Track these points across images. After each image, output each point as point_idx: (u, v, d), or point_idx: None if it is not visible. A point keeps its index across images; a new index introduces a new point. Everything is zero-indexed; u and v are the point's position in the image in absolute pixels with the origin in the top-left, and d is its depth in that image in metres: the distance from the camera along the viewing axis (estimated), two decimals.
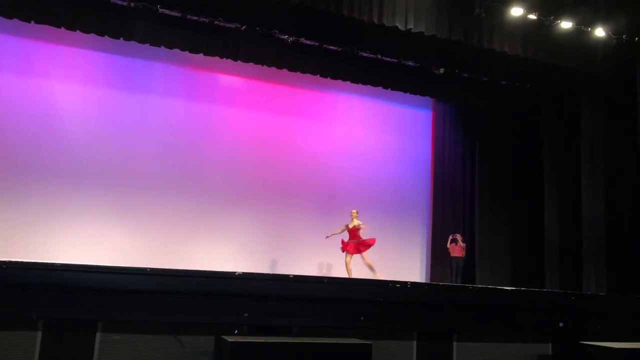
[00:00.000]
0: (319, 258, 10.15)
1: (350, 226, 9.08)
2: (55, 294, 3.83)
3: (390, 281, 5.04)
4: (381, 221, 10.79)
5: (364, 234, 9.09)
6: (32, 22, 8.43)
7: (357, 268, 9.01)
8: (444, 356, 4.90)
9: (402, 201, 11.12)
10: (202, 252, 9.42)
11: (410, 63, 10.15)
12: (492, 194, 11.29)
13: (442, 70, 10.31)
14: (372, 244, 9.12)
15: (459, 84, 10.71)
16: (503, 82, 10.73)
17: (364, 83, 10.31)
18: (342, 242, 9.13)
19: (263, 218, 10.13)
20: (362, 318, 4.62)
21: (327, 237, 9.10)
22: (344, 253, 9.06)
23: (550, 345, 5.26)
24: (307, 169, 10.54)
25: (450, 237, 10.65)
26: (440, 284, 8.96)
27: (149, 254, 8.83)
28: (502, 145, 11.43)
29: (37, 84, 9.15)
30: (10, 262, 3.91)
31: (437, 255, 10.99)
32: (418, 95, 10.92)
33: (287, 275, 4.73)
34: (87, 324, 3.89)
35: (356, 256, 9.11)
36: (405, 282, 5.02)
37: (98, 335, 3.90)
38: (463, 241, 10.61)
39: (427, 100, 11.47)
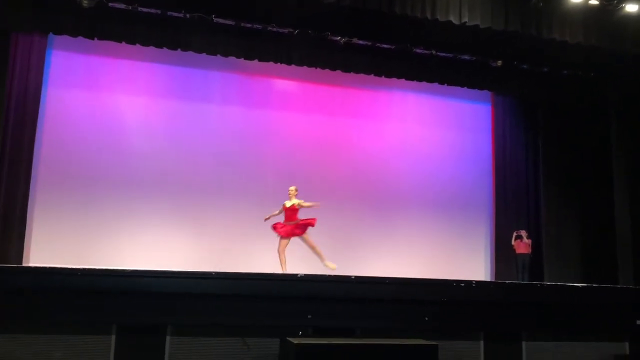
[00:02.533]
0: (379, 259, 10.07)
1: (288, 205, 7.97)
2: (126, 299, 3.98)
3: (454, 280, 4.95)
4: (442, 220, 10.64)
5: (307, 214, 8.14)
6: (95, 38, 8.79)
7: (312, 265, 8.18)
8: (513, 356, 4.77)
9: (462, 198, 10.90)
10: (262, 255, 9.52)
11: (466, 57, 9.94)
12: (558, 188, 10.90)
13: (499, 63, 10.03)
14: (312, 225, 8.04)
15: (518, 76, 10.40)
16: (565, 72, 10.34)
17: (419, 80, 10.17)
18: (273, 226, 7.99)
19: (321, 220, 10.14)
20: (426, 318, 4.57)
21: (265, 219, 8.09)
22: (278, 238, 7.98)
23: (627, 344, 5.03)
24: (364, 169, 10.50)
25: (515, 234, 10.35)
26: (507, 282, 8.72)
27: (210, 259, 9.02)
28: (567, 137, 11.02)
29: (101, 97, 9.51)
30: (84, 269, 4.09)
31: (502, 252, 10.70)
32: (475, 90, 10.66)
33: (349, 277, 4.73)
34: (158, 327, 4.02)
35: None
36: (470, 281, 4.92)
37: (168, 338, 4.02)
38: (528, 237, 10.29)
39: (485, 94, 11.20)
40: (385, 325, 4.48)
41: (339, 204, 10.23)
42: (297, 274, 4.47)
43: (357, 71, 9.84)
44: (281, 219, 8.09)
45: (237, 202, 9.72)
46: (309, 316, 4.27)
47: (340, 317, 4.40)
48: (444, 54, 9.83)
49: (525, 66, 10.20)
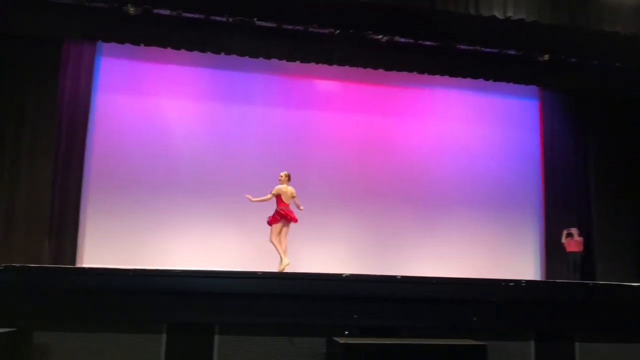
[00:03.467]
0: (425, 259, 9.98)
1: (289, 193, 7.84)
2: (176, 299, 4.06)
3: (502, 280, 4.86)
4: (489, 219, 10.45)
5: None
6: (141, 44, 9.03)
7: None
8: (565, 357, 4.64)
9: (510, 196, 10.67)
10: (306, 255, 9.57)
11: (512, 52, 9.71)
12: (610, 183, 10.54)
13: (546, 57, 9.76)
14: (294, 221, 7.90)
15: (566, 69, 10.09)
16: (616, 65, 9.98)
17: (463, 76, 10.02)
18: (290, 214, 7.82)
19: (366, 220, 10.13)
20: (474, 319, 4.49)
21: (251, 200, 7.92)
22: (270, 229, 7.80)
23: None
24: (408, 169, 10.41)
25: (565, 232, 10.08)
26: (558, 281, 8.49)
27: (256, 259, 9.10)
28: (618, 132, 10.64)
29: (148, 101, 9.76)
30: (135, 269, 4.21)
31: (552, 251, 10.43)
32: (522, 85, 10.44)
33: (395, 277, 4.70)
34: (206, 327, 4.09)
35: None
36: (519, 281, 4.82)
37: (217, 337, 4.08)
38: (579, 235, 10.00)
39: (532, 89, 10.93)
40: (432, 325, 4.43)
41: (382, 204, 10.18)
42: (342, 274, 4.46)
43: (399, 69, 9.76)
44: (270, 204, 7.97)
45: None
46: (355, 316, 4.26)
47: (386, 317, 4.38)
48: (488, 50, 9.64)
49: (573, 59, 9.90)
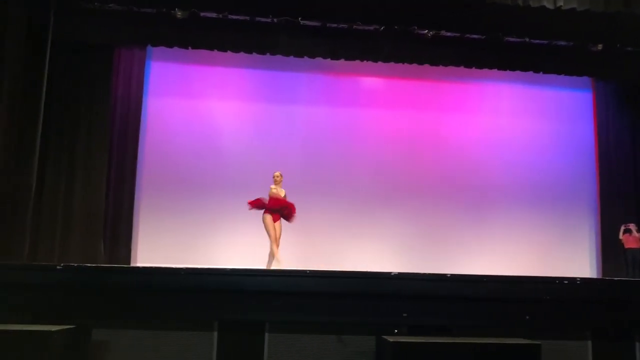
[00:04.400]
0: (475, 256, 9.80)
1: (282, 195, 7.83)
2: (226, 297, 4.13)
3: (556, 278, 4.72)
4: (541, 215, 10.18)
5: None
6: (189, 47, 9.22)
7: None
8: (624, 357, 4.47)
9: (564, 192, 10.36)
10: (353, 253, 9.58)
11: (562, 42, 9.43)
12: None
13: (600, 47, 9.42)
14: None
15: (621, 59, 9.70)
16: None
17: (512, 69, 9.78)
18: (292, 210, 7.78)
19: (414, 217, 10.04)
20: (527, 317, 4.38)
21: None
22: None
23: None
24: (456, 164, 10.26)
25: (623, 227, 9.70)
26: (615, 278, 8.18)
27: (304, 257, 9.16)
28: None
29: (196, 103, 9.96)
30: (187, 268, 4.30)
31: (609, 247, 10.06)
32: (574, 76, 10.11)
33: (444, 275, 4.63)
34: (256, 325, 4.14)
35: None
36: (574, 278, 4.68)
37: (266, 335, 4.13)
38: (638, 231, 9.62)
39: (585, 80, 10.58)
40: (484, 324, 4.35)
41: (430, 201, 10.07)
42: (390, 272, 4.44)
43: (445, 64, 9.63)
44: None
45: (328, 200, 9.81)
46: (404, 314, 4.22)
47: (436, 316, 4.33)
48: (538, 41, 9.39)
49: (629, 48, 9.51)
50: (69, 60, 9.04)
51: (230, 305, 4.14)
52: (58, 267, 4.34)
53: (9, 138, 7.77)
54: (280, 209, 7.80)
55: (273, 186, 7.96)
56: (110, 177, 9.28)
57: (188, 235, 9.45)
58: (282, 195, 7.91)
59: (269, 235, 7.72)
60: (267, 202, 7.80)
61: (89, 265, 6.35)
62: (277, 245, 7.69)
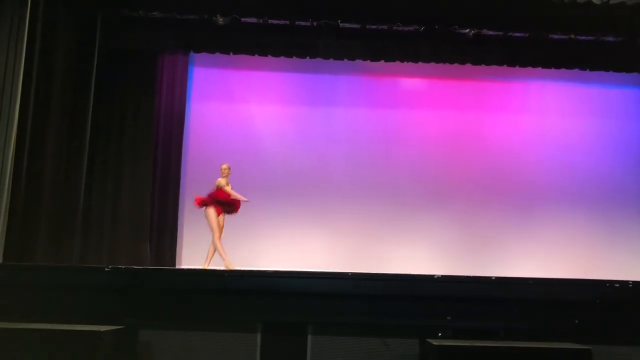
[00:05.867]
0: (520, 259, 9.59)
1: (229, 189, 7.73)
2: (270, 299, 4.17)
3: (607, 281, 4.58)
4: (590, 216, 9.87)
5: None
6: (231, 53, 9.36)
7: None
8: None
9: (612, 192, 10.03)
10: (395, 255, 9.51)
11: (610, 38, 9.14)
12: None
13: None
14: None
15: None
16: None
17: (557, 67, 9.54)
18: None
19: (457, 219, 9.90)
20: (576, 321, 4.26)
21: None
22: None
23: None
24: (500, 165, 10.06)
25: None
26: None
27: (346, 259, 9.17)
28: None
29: (238, 108, 10.07)
30: (230, 270, 4.35)
31: None
32: (622, 73, 9.78)
33: (489, 278, 4.55)
34: (299, 327, 4.16)
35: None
36: (626, 282, 4.52)
37: (309, 337, 4.14)
38: None
39: (635, 77, 10.20)
40: (530, 328, 4.25)
41: (473, 202, 9.91)
42: (434, 275, 4.39)
43: (488, 63, 9.46)
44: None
45: (370, 203, 9.78)
46: (449, 317, 4.17)
47: (481, 319, 4.26)
48: (584, 38, 9.13)
49: None
50: (114, 67, 9.29)
51: (273, 307, 4.18)
52: (106, 269, 4.46)
53: (60, 144, 8.07)
54: (226, 203, 7.72)
55: (221, 179, 7.84)
56: (156, 181, 9.48)
57: (231, 238, 9.56)
58: (229, 188, 7.73)
59: (213, 229, 7.63)
60: (215, 194, 7.69)
61: (135, 267, 6.52)
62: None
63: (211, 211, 7.73)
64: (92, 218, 8.95)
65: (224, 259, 7.66)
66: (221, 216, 7.80)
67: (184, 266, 9.29)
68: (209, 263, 7.75)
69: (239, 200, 7.89)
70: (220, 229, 7.72)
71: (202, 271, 4.81)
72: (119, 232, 9.12)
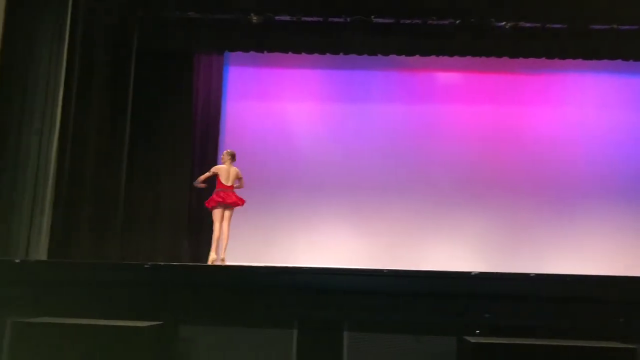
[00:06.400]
0: (560, 255, 9.38)
1: (232, 173, 7.60)
2: (305, 296, 4.18)
3: None
4: (632, 211, 9.59)
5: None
6: (265, 51, 9.42)
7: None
8: None
9: None
10: (431, 252, 9.44)
11: None
12: None
13: None
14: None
15: None
16: None
17: (598, 58, 9.28)
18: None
19: (494, 215, 9.75)
20: (621, 320, 4.14)
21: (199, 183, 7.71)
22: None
23: None
24: (538, 160, 9.85)
25: None
26: None
27: (381, 256, 9.13)
28: None
29: (272, 106, 10.14)
30: (267, 267, 4.39)
31: None
32: None
33: (527, 274, 4.46)
34: (335, 323, 4.16)
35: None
36: None
37: (345, 333, 4.14)
38: None
39: None
40: (571, 326, 4.15)
41: (511, 198, 9.73)
42: (470, 272, 4.33)
43: (525, 56, 9.29)
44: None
45: (405, 199, 9.72)
46: (487, 315, 4.11)
47: (520, 316, 4.18)
48: (627, 27, 8.85)
49: None
50: (151, 68, 9.46)
51: (309, 303, 4.19)
52: (146, 266, 4.55)
53: (100, 144, 8.27)
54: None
55: (224, 165, 7.75)
56: (194, 179, 9.62)
57: (267, 235, 9.65)
58: (234, 174, 7.64)
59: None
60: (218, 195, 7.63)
61: (174, 264, 6.62)
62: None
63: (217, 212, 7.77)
64: (133, 216, 9.13)
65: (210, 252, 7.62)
66: (218, 208, 7.70)
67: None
68: (224, 252, 7.78)
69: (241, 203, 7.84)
70: (221, 220, 7.67)
71: (238, 268, 4.87)
72: (159, 230, 9.29)
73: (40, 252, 6.68)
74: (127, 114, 8.72)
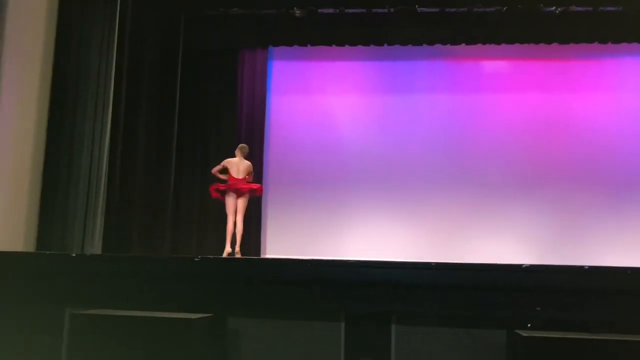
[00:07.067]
0: (615, 247, 9.06)
1: (242, 167, 7.54)
2: (352, 288, 4.18)
3: None
4: None
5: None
6: (308, 45, 9.44)
7: None
8: None
9: None
10: (480, 244, 9.26)
11: None
12: None
13: None
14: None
15: None
16: None
17: None
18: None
19: (545, 206, 9.48)
20: None
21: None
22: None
23: None
24: (591, 149, 9.50)
25: None
26: None
27: (428, 249, 9.04)
28: None
29: (316, 100, 10.15)
30: (314, 260, 4.41)
31: None
32: None
33: (581, 267, 4.32)
34: (383, 316, 4.15)
35: None
36: None
37: (393, 326, 4.12)
38: None
39: None
40: (628, 320, 4.00)
41: (563, 188, 9.45)
42: (521, 265, 4.23)
43: (577, 41, 8.99)
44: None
45: (452, 191, 9.57)
46: (538, 308, 4.01)
47: (573, 310, 4.05)
48: None
49: None
50: (197, 65, 9.62)
51: (356, 296, 4.18)
52: (196, 259, 4.63)
53: (150, 142, 8.49)
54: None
55: (235, 159, 7.72)
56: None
57: (314, 228, 9.70)
58: (245, 167, 7.61)
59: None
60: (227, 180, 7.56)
61: (223, 257, 6.73)
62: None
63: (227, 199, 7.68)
64: (182, 210, 9.34)
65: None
66: (241, 200, 7.65)
67: (269, 255, 9.52)
68: (238, 246, 7.72)
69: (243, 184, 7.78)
70: (234, 213, 7.61)
71: (285, 261, 4.90)
72: (207, 224, 9.46)
73: (95, 247, 6.92)
74: (175, 112, 8.91)
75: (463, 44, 9.20)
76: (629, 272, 4.35)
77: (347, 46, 9.42)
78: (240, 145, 8.01)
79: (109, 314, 3.86)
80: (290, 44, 9.53)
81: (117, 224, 7.47)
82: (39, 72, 6.54)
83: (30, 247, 6.27)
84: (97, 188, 7.06)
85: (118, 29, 7.42)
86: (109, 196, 7.31)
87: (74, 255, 4.82)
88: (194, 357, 3.64)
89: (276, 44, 9.77)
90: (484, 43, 9.13)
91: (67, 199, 6.71)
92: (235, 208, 7.49)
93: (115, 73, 7.40)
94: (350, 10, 8.92)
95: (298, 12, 8.87)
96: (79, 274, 4.45)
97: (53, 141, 6.62)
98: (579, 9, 8.57)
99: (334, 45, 9.42)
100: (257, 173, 9.86)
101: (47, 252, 5.84)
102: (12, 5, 6.09)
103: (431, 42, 9.19)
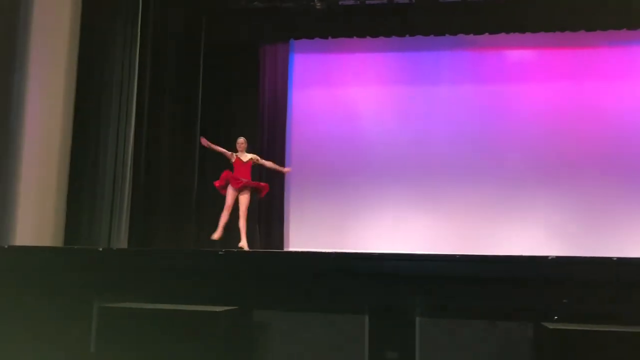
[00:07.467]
0: None
1: (244, 160, 7.44)
2: (376, 280, 4.18)
3: None
4: None
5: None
6: (329, 37, 9.40)
7: None
8: None
9: None
10: (504, 236, 9.15)
11: None
12: None
13: None
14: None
15: None
16: None
17: None
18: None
19: (570, 198, 9.31)
20: None
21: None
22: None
23: None
24: (618, 138, 9.28)
25: None
26: None
27: (451, 241, 8.96)
28: None
29: (338, 92, 10.11)
30: (337, 252, 4.42)
31: None
32: None
33: (610, 258, 4.25)
34: (407, 309, 4.14)
35: None
36: None
37: (417, 319, 4.11)
38: None
39: None
40: None
41: (589, 179, 9.26)
42: (547, 256, 4.18)
43: (604, 28, 8.78)
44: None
45: (478, 182, 9.46)
46: (565, 300, 3.95)
47: (600, 302, 3.99)
48: None
49: None
50: (220, 59, 9.66)
51: (380, 289, 4.18)
52: (220, 253, 4.67)
53: (174, 137, 8.57)
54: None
55: (237, 153, 7.64)
56: (262, 170, 9.79)
57: (337, 221, 9.69)
58: (244, 160, 7.53)
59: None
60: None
61: (246, 250, 6.77)
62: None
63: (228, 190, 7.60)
64: (206, 204, 9.41)
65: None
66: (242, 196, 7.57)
67: (292, 248, 9.55)
68: (244, 240, 7.69)
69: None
70: (229, 207, 7.58)
71: (308, 254, 4.93)
72: (231, 217, 9.51)
73: (121, 241, 7.03)
74: (198, 108, 8.97)
75: (486, 34, 9.07)
76: None
77: (368, 37, 9.36)
78: (237, 141, 7.85)
79: (135, 307, 3.92)
80: (311, 37, 9.51)
81: (142, 220, 7.56)
82: (64, 69, 6.65)
83: (59, 243, 6.40)
84: (122, 184, 7.16)
85: (141, 25, 7.49)
86: (134, 192, 7.41)
87: (100, 249, 4.90)
88: (220, 349, 3.68)
89: (297, 37, 9.76)
90: (507, 32, 8.98)
91: (94, 196, 6.83)
92: (233, 200, 7.43)
93: (139, 69, 7.47)
94: (371, 1, 8.86)
95: (319, 4, 8.84)
96: (107, 268, 4.53)
97: (79, 139, 6.73)
98: None
99: (355, 37, 9.38)
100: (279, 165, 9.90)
101: (75, 247, 5.95)
102: (38, 6, 6.19)
103: (454, 32, 9.08)
